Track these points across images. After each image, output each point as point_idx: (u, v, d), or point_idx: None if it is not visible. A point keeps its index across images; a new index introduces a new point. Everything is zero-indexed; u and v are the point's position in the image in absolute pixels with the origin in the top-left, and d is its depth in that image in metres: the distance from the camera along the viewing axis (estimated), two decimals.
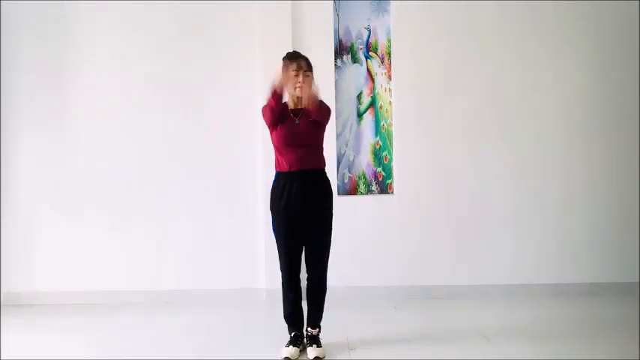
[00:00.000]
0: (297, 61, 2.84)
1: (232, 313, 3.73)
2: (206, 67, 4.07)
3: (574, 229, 4.06)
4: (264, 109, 2.89)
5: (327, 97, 3.80)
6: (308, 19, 4.05)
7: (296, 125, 2.83)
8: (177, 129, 4.08)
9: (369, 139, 4.13)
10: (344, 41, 4.13)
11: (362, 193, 4.11)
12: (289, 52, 2.95)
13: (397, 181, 4.09)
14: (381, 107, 4.12)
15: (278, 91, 2.78)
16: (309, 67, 2.85)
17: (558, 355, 2.82)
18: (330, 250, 2.93)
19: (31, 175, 4.07)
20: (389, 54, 4.11)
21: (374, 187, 4.13)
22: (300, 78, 2.80)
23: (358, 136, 4.13)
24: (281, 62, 2.87)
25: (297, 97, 2.85)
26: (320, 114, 2.84)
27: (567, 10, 4.05)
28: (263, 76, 3.89)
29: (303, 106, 2.82)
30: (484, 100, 4.07)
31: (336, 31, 4.12)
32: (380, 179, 4.13)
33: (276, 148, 2.88)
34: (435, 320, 3.46)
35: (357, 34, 4.13)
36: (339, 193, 4.01)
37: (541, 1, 4.05)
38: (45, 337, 3.31)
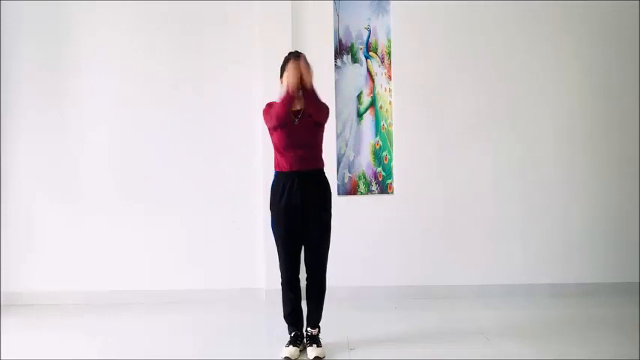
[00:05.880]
0: (293, 60, 2.84)
1: (232, 313, 3.73)
2: (206, 67, 4.07)
3: (574, 229, 4.06)
4: (265, 112, 2.89)
5: (327, 97, 3.81)
6: (308, 19, 4.05)
7: (296, 126, 2.83)
8: (176, 129, 4.08)
9: (369, 139, 4.13)
10: (344, 41, 4.13)
11: (362, 193, 4.11)
12: (289, 53, 2.95)
13: (397, 181, 4.09)
14: (381, 107, 4.12)
15: (290, 93, 2.76)
16: (306, 65, 2.85)
17: (558, 355, 2.82)
18: (330, 250, 2.93)
19: (30, 175, 4.07)
20: (389, 54, 4.11)
21: (374, 187, 4.13)
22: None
23: (358, 136, 4.12)
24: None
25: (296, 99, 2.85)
26: (319, 114, 2.85)
27: (570, 9, 4.05)
28: (263, 75, 3.91)
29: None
30: (484, 101, 4.07)
31: (336, 31, 4.12)
32: (380, 179, 4.13)
33: (276, 148, 2.89)
34: (435, 320, 3.46)
35: (357, 34, 4.13)
36: (339, 193, 4.01)
37: (543, 1, 4.05)
38: (45, 337, 3.31)
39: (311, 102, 2.82)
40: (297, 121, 2.84)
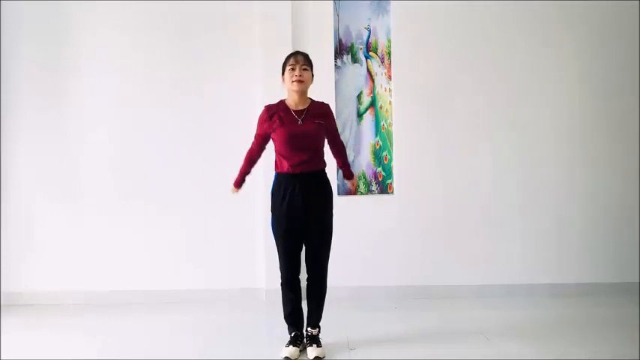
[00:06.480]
0: (294, 56, 2.84)
1: (232, 313, 3.73)
2: (206, 67, 4.07)
3: (574, 229, 4.06)
4: (260, 119, 2.89)
5: (327, 97, 3.82)
6: (308, 19, 4.05)
7: (299, 126, 2.81)
8: (176, 129, 4.08)
9: (369, 139, 4.13)
10: (344, 41, 4.13)
11: (362, 193, 4.11)
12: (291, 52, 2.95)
13: (397, 181, 4.09)
14: (381, 107, 4.12)
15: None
16: (307, 62, 2.84)
17: (558, 355, 2.82)
18: (330, 250, 2.93)
19: (30, 175, 4.07)
20: (389, 54, 4.11)
21: (374, 187, 4.13)
22: (297, 72, 2.79)
23: (358, 136, 4.13)
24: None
25: (298, 97, 2.84)
26: (328, 120, 2.93)
27: (570, 9, 4.05)
28: (263, 75, 3.92)
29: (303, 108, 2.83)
30: (484, 101, 4.07)
31: (336, 31, 4.12)
32: (380, 179, 4.13)
33: (278, 149, 2.87)
34: (435, 320, 3.46)
35: (357, 34, 4.13)
36: (339, 193, 4.01)
37: (543, 1, 4.05)
38: (45, 337, 3.31)
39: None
40: (301, 121, 2.83)
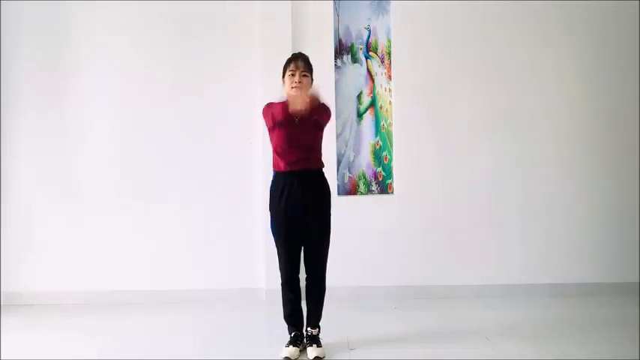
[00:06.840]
0: (295, 61, 2.85)
1: (232, 313, 3.73)
2: (206, 67, 4.07)
3: (574, 229, 4.06)
4: (265, 112, 2.89)
5: (327, 97, 3.81)
6: (308, 19, 4.05)
7: (296, 126, 2.82)
8: (176, 129, 4.08)
9: (369, 139, 4.13)
10: (344, 41, 4.13)
11: (362, 193, 4.11)
12: (292, 54, 2.95)
13: (397, 181, 4.09)
14: (381, 107, 4.12)
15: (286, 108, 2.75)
16: (307, 68, 2.85)
17: (558, 355, 2.82)
18: (330, 250, 2.93)
19: (30, 175, 4.07)
20: (389, 54, 4.11)
21: (374, 187, 4.13)
22: (297, 78, 2.80)
23: (358, 136, 4.13)
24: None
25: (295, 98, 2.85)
26: (320, 114, 2.84)
27: (570, 9, 4.05)
28: (263, 75, 3.91)
29: (299, 109, 2.78)
30: (484, 101, 4.07)
31: (336, 31, 4.12)
32: (380, 179, 4.13)
33: (275, 148, 2.87)
34: (435, 320, 3.46)
35: (357, 34, 4.13)
36: (339, 193, 4.01)
37: (543, 1, 4.05)
38: (45, 337, 3.31)
39: (314, 106, 2.76)
40: (298, 120, 2.83)
